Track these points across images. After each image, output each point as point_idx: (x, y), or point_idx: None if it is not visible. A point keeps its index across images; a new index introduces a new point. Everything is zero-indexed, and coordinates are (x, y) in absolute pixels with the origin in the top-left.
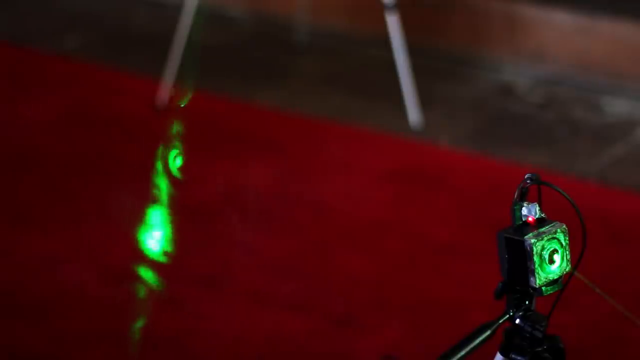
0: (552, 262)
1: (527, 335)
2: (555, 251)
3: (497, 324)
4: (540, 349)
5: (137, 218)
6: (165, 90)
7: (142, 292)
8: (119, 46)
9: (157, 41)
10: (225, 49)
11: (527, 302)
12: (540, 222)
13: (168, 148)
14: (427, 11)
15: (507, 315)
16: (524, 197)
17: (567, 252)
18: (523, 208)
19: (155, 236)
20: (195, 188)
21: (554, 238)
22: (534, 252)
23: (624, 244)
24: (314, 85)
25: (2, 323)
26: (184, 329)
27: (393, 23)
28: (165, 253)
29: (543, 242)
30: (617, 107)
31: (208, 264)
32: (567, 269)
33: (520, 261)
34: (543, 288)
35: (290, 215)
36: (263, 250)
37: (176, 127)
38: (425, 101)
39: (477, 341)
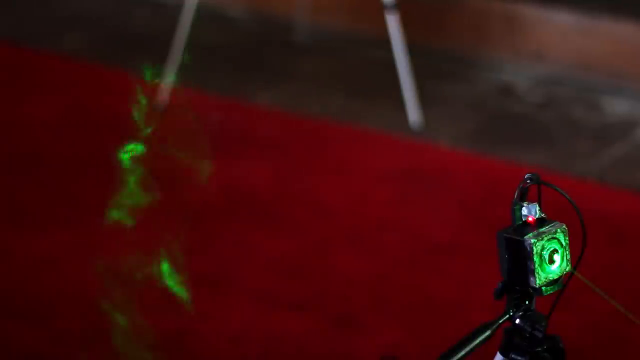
0: (552, 262)
1: (527, 335)
2: (555, 251)
3: (497, 324)
4: (540, 349)
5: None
6: (165, 90)
7: (141, 292)
8: (119, 46)
9: (157, 41)
10: (225, 49)
11: (527, 302)
12: (540, 222)
13: (168, 148)
14: (427, 11)
15: (507, 315)
16: (524, 197)
17: (567, 252)
18: (523, 208)
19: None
20: (195, 188)
21: (554, 238)
22: (534, 252)
23: (624, 244)
24: (314, 85)
25: (2, 323)
26: (184, 329)
27: (393, 23)
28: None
29: (543, 242)
30: (617, 107)
31: (208, 264)
32: (567, 269)
33: (520, 261)
34: (543, 288)
35: (290, 215)
36: (263, 250)
37: (176, 127)
38: (425, 101)
39: (477, 341)
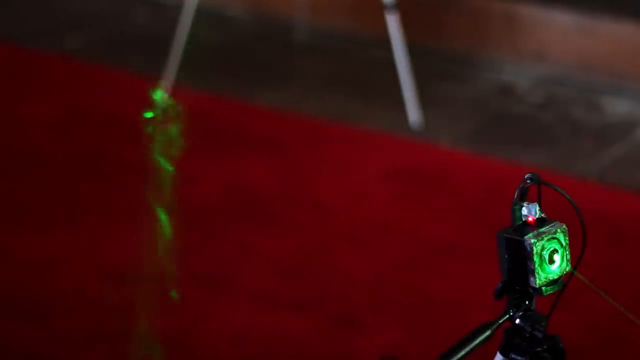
0: (552, 262)
1: (527, 335)
2: (555, 251)
3: (497, 324)
4: (540, 349)
5: (136, 218)
6: (165, 90)
7: (141, 292)
8: (119, 46)
9: (157, 41)
10: (225, 49)
11: (527, 302)
12: (540, 222)
13: (167, 148)
14: (427, 11)
15: (507, 315)
16: (524, 197)
17: (567, 252)
18: (523, 208)
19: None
20: (195, 188)
21: (554, 238)
22: (534, 252)
23: (624, 244)
24: (314, 85)
25: (2, 323)
26: (184, 329)
27: (393, 23)
28: (165, 253)
29: (543, 242)
30: (617, 107)
31: (208, 264)
32: (567, 269)
33: (520, 261)
34: (543, 288)
35: (290, 215)
36: (263, 250)
37: (176, 127)
38: (425, 101)
39: (477, 341)
